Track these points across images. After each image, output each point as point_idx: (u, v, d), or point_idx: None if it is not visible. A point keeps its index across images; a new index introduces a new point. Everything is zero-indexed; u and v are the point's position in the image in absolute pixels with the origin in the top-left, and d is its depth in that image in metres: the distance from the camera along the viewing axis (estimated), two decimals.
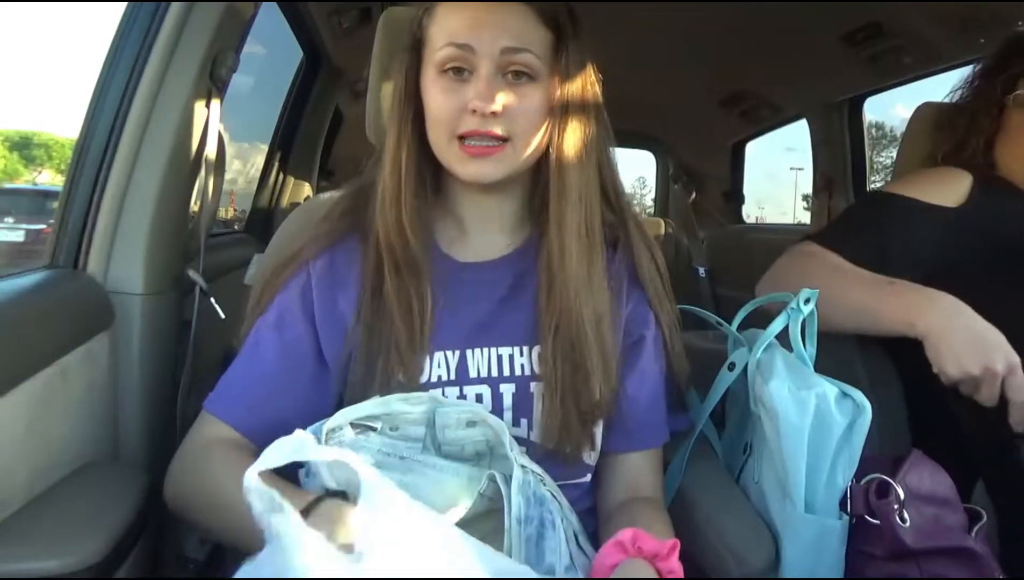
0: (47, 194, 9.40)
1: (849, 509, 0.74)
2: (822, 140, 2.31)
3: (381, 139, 0.86)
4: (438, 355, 0.75)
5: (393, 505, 0.51)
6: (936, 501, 0.73)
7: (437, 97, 0.72)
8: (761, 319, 0.89)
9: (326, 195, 0.92)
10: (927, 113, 1.16)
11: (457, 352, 0.75)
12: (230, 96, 1.07)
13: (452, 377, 0.75)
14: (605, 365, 0.75)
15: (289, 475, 0.57)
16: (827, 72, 2.03)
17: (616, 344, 0.78)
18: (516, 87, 0.72)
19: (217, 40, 0.97)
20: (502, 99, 0.70)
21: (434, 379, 0.74)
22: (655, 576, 0.61)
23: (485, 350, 0.76)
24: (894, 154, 1.24)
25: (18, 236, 8.08)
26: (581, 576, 0.66)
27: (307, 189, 2.35)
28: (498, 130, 0.71)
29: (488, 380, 0.75)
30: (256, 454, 0.52)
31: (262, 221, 2.11)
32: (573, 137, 0.74)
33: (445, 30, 0.73)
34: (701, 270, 2.96)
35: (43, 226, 7.53)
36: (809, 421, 0.75)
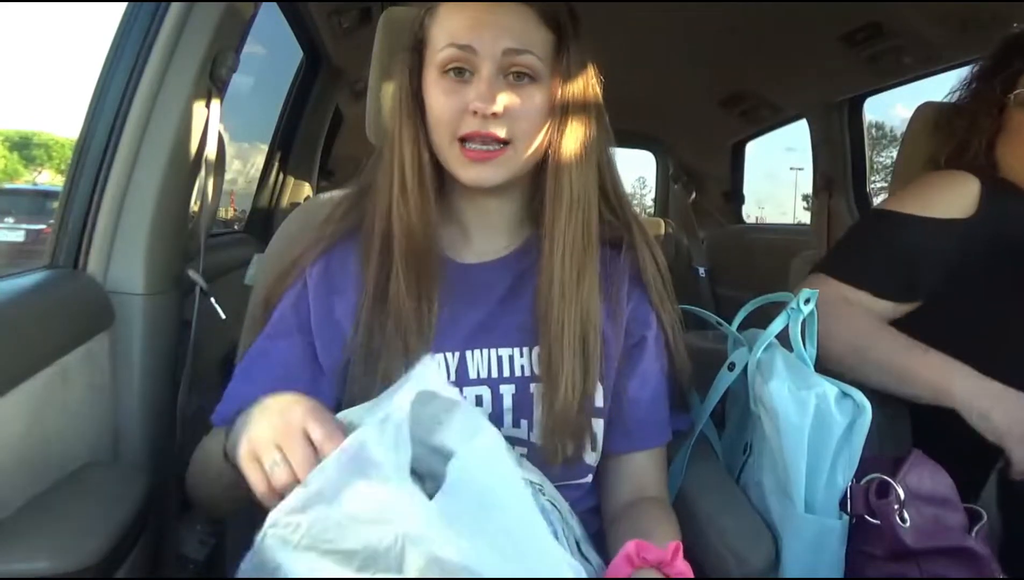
0: (47, 194, 9.40)
1: (849, 509, 0.74)
2: (822, 140, 2.31)
3: (381, 139, 0.86)
4: (438, 357, 0.74)
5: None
6: (936, 501, 0.73)
7: (438, 98, 0.72)
8: (761, 319, 0.89)
9: (326, 195, 0.92)
10: (927, 113, 1.16)
11: (457, 353, 0.75)
12: (230, 96, 1.07)
13: (452, 378, 0.75)
14: (603, 365, 0.75)
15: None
16: (827, 72, 2.03)
17: (617, 344, 0.78)
18: (517, 88, 0.72)
19: (217, 40, 0.97)
20: (503, 100, 0.70)
21: None
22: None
23: (485, 351, 0.76)
24: (894, 154, 1.24)
25: (18, 236, 8.08)
26: None
27: (307, 189, 2.34)
28: (499, 132, 0.71)
29: (488, 381, 0.75)
30: None
31: (262, 221, 2.11)
32: (573, 138, 0.74)
33: (446, 31, 0.73)
34: (701, 270, 2.96)
35: (43, 226, 7.53)
36: (809, 421, 0.75)
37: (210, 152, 1.03)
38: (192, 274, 1.02)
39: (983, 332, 0.92)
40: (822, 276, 0.98)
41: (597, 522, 0.80)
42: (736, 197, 3.12)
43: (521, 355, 0.76)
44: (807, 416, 0.75)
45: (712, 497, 0.84)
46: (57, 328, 0.83)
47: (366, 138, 0.94)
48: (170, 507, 0.98)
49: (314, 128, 2.34)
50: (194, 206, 1.10)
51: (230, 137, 1.14)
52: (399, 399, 0.53)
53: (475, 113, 0.70)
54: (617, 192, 0.81)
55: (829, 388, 0.76)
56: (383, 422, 0.52)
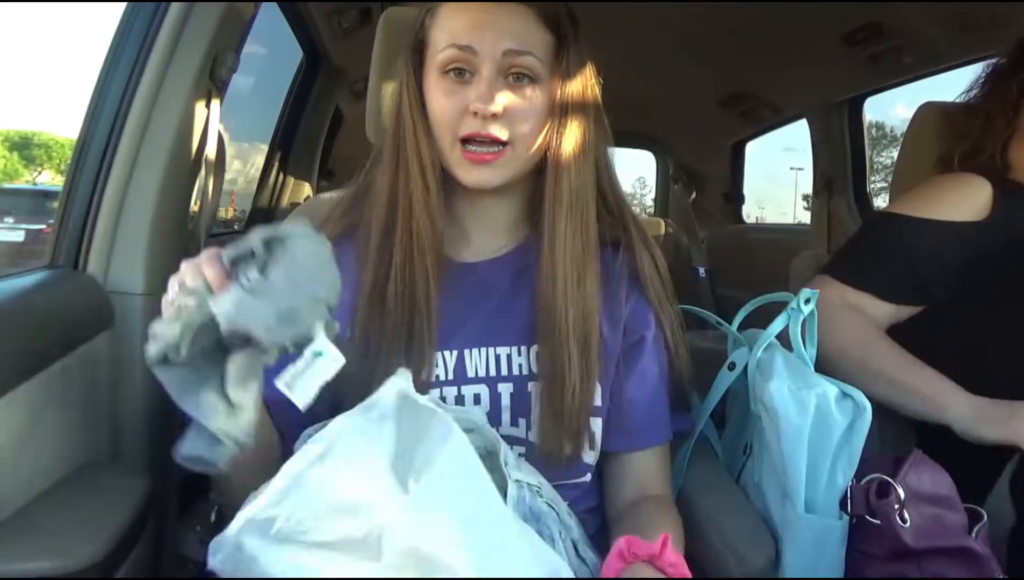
0: (47, 194, 9.41)
1: (849, 509, 0.74)
2: (822, 140, 2.31)
3: (381, 139, 0.86)
4: (436, 355, 0.75)
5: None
6: (936, 501, 0.73)
7: (439, 99, 0.73)
8: (761, 319, 0.89)
9: (326, 195, 0.92)
10: (929, 113, 1.15)
11: (455, 352, 0.75)
12: (230, 96, 1.07)
13: (450, 377, 0.75)
14: (602, 364, 0.75)
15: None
16: (827, 72, 2.03)
17: (615, 343, 0.78)
18: (517, 89, 0.72)
19: (217, 40, 0.97)
20: (503, 101, 0.71)
21: (432, 379, 0.74)
22: (658, 575, 0.61)
23: (483, 350, 0.76)
24: (894, 154, 1.24)
25: (18, 236, 8.09)
26: None
27: (307, 189, 2.34)
28: (499, 133, 0.71)
29: (486, 380, 0.75)
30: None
31: (262, 221, 2.11)
32: (572, 139, 0.74)
33: (447, 31, 0.73)
34: (701, 270, 2.96)
35: (43, 226, 7.53)
36: (809, 421, 0.75)
37: (210, 152, 1.03)
38: None
39: (991, 336, 0.92)
40: (827, 278, 0.98)
41: (597, 521, 0.80)
42: (736, 197, 3.12)
43: (519, 354, 0.76)
44: (807, 416, 0.75)
45: (712, 497, 0.84)
46: (57, 328, 0.83)
47: (366, 138, 0.94)
48: (170, 507, 0.98)
49: (314, 128, 2.34)
50: (194, 206, 1.10)
51: (230, 137, 1.14)
52: (383, 392, 0.53)
53: (475, 114, 0.70)
54: (615, 192, 0.82)
55: (829, 388, 0.76)
56: (364, 411, 0.52)
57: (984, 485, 0.84)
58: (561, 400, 0.72)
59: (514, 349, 0.76)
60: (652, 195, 3.76)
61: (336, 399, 0.74)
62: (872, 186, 2.31)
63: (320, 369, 0.56)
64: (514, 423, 0.75)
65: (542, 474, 0.71)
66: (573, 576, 0.58)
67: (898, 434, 0.92)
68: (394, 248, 0.74)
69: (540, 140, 0.74)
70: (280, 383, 0.56)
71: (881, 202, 2.29)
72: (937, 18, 1.56)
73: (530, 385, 0.75)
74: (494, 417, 0.75)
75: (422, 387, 0.71)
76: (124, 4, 0.94)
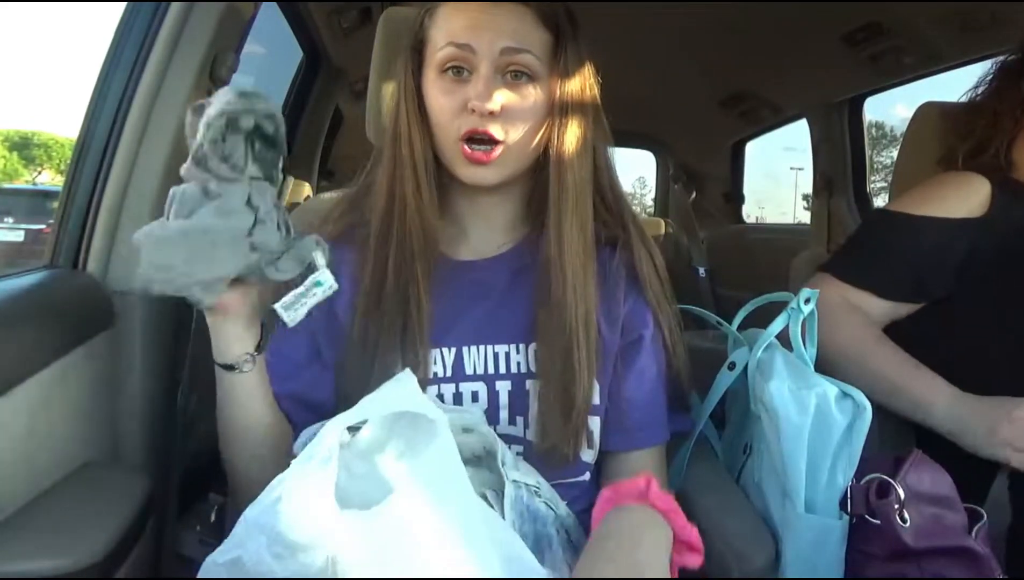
0: (47, 194, 9.41)
1: (849, 509, 0.74)
2: (822, 140, 2.31)
3: (381, 139, 0.86)
4: (435, 352, 0.75)
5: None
6: (936, 501, 0.73)
7: (438, 97, 0.73)
8: (761, 319, 0.89)
9: (326, 195, 0.92)
10: (929, 113, 1.15)
11: (454, 349, 0.76)
12: None
13: (448, 374, 0.75)
14: (600, 363, 0.76)
15: None
16: (827, 72, 2.03)
17: (613, 342, 0.78)
18: (515, 87, 0.73)
19: (217, 40, 0.97)
20: (501, 98, 0.71)
21: (431, 376, 0.74)
22: (647, 507, 0.63)
23: (481, 347, 0.76)
24: (894, 154, 1.24)
25: (18, 236, 8.09)
26: None
27: (307, 189, 2.34)
28: (496, 131, 0.72)
29: (484, 377, 0.75)
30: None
31: None
32: (571, 138, 0.75)
33: (445, 30, 0.74)
34: (701, 270, 2.96)
35: (43, 226, 7.53)
36: (809, 421, 0.75)
37: None
38: None
39: (989, 333, 0.92)
40: (827, 276, 0.98)
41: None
42: (736, 197, 3.12)
43: (517, 352, 0.76)
44: (807, 416, 0.75)
45: (712, 497, 0.84)
46: (57, 328, 0.83)
47: (366, 138, 0.94)
48: (170, 507, 0.98)
49: (314, 128, 2.34)
50: None
51: None
52: (323, 437, 0.57)
53: (473, 111, 0.71)
54: (615, 191, 0.82)
55: (829, 388, 0.76)
56: (306, 460, 0.56)
57: (984, 485, 0.84)
58: (561, 398, 0.73)
59: (512, 347, 0.76)
60: (652, 195, 3.76)
61: (339, 395, 0.74)
62: (872, 186, 2.31)
63: (316, 296, 0.66)
64: (512, 422, 0.76)
65: (540, 473, 0.71)
66: None
67: (898, 434, 0.92)
68: (391, 248, 0.74)
69: (538, 138, 0.75)
70: (278, 306, 0.66)
71: (881, 202, 2.29)
72: (937, 18, 1.56)
73: (528, 383, 0.75)
74: (492, 415, 0.75)
75: (419, 385, 0.71)
76: (124, 4, 0.94)
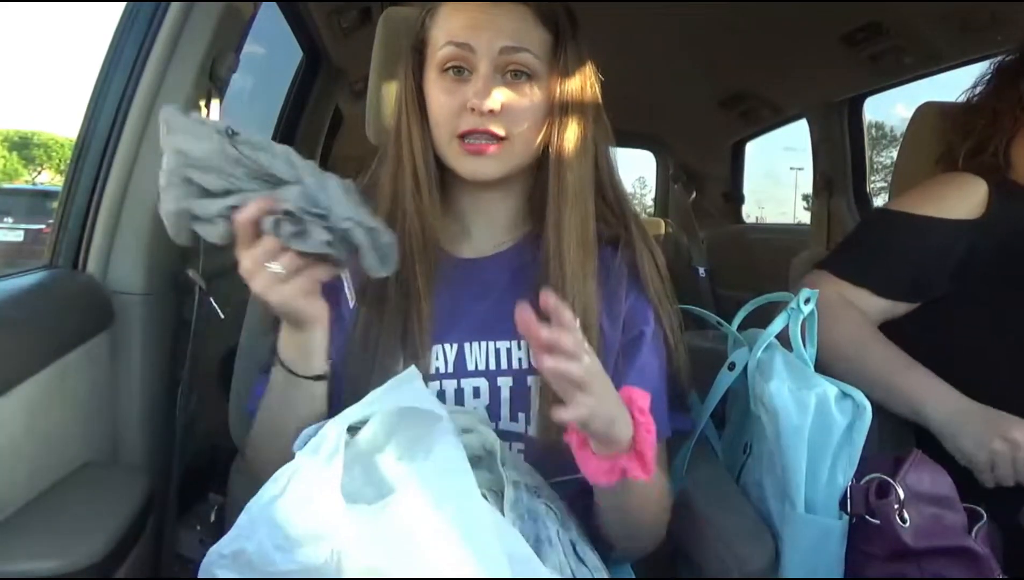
0: (47, 194, 9.41)
1: (849, 509, 0.74)
2: (822, 140, 2.31)
3: (381, 139, 0.87)
4: (436, 348, 0.75)
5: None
6: (936, 501, 0.73)
7: (438, 97, 0.74)
8: (761, 319, 0.89)
9: None
10: (928, 113, 1.15)
11: (455, 345, 0.76)
12: (230, 96, 1.07)
13: (450, 370, 0.75)
14: (601, 360, 0.76)
15: None
16: (827, 72, 2.03)
17: (614, 339, 0.78)
18: (515, 86, 0.73)
19: (217, 40, 0.97)
20: (500, 97, 0.72)
21: (432, 371, 0.75)
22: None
23: (483, 344, 0.76)
24: (894, 154, 1.24)
25: (17, 236, 8.09)
26: None
27: None
28: (496, 129, 0.72)
29: (486, 373, 0.75)
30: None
31: None
32: (571, 136, 0.75)
33: (445, 30, 0.74)
34: (701, 270, 2.96)
35: (43, 226, 7.53)
36: (809, 421, 0.75)
37: None
38: (192, 274, 1.02)
39: (987, 333, 0.92)
40: (824, 273, 0.98)
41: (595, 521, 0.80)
42: (736, 197, 3.12)
43: (519, 348, 0.76)
44: (807, 416, 0.75)
45: (712, 497, 0.84)
46: (57, 328, 0.83)
47: (366, 138, 0.94)
48: (170, 507, 0.98)
49: (314, 128, 2.34)
50: None
51: None
52: (326, 432, 0.57)
53: (473, 110, 0.72)
54: (616, 190, 0.82)
55: (829, 388, 0.76)
56: (313, 452, 0.56)
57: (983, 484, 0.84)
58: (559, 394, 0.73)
59: (514, 343, 0.76)
60: (652, 195, 3.77)
61: (345, 391, 0.74)
62: (872, 186, 2.31)
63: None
64: (513, 418, 0.76)
65: (541, 470, 0.71)
66: None
67: (898, 434, 0.92)
68: (401, 243, 0.75)
69: (539, 136, 0.75)
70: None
71: (881, 202, 2.29)
72: (937, 18, 1.56)
73: (529, 379, 0.76)
74: (493, 411, 0.75)
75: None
76: (124, 4, 0.94)
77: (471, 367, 0.76)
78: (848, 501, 0.74)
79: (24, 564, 0.67)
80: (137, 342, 0.95)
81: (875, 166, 2.83)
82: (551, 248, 0.75)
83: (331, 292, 0.76)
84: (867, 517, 0.73)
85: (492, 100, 0.71)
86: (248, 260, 0.63)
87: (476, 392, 0.75)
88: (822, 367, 0.82)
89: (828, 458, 0.75)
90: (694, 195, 3.18)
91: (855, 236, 1.06)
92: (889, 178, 1.28)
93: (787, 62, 2.07)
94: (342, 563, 0.52)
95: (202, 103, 1.00)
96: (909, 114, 1.19)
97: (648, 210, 3.95)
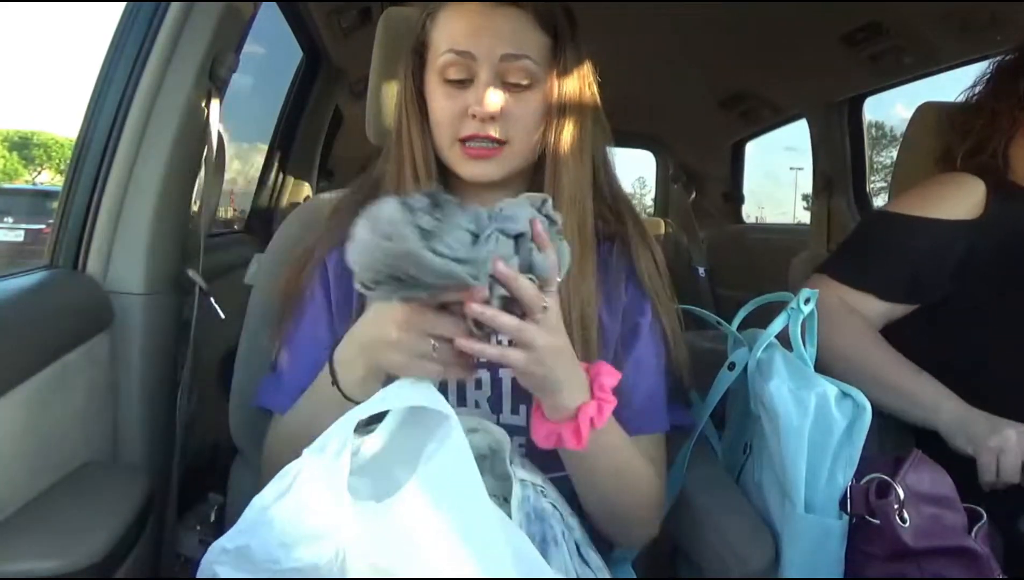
0: (47, 194, 9.41)
1: (849, 509, 0.74)
2: (822, 140, 2.31)
3: (381, 139, 0.87)
4: None
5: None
6: (936, 501, 0.73)
7: (439, 101, 0.75)
8: (761, 319, 0.89)
9: (326, 195, 0.92)
10: (928, 113, 1.15)
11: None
12: (230, 96, 1.07)
13: None
14: (601, 353, 0.76)
15: None
16: (827, 72, 2.03)
17: (613, 332, 0.79)
18: (514, 91, 0.74)
19: (217, 40, 0.97)
20: (501, 103, 0.73)
21: None
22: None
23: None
24: (894, 154, 1.24)
25: (18, 236, 8.09)
26: None
27: (307, 189, 2.34)
28: (497, 133, 0.73)
29: (488, 365, 0.76)
30: None
31: (262, 221, 2.11)
32: (569, 138, 0.76)
33: (446, 36, 0.75)
34: (701, 270, 2.96)
35: (43, 226, 7.54)
36: (809, 421, 0.75)
37: (210, 152, 1.03)
38: (192, 274, 1.02)
39: (986, 335, 0.92)
40: (824, 277, 0.98)
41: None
42: (736, 197, 3.12)
43: None
44: (807, 416, 0.75)
45: (712, 497, 0.84)
46: (57, 328, 0.83)
47: (366, 138, 0.94)
48: (170, 507, 0.98)
49: (314, 128, 2.34)
50: (194, 206, 1.10)
51: (230, 137, 1.14)
52: (335, 429, 0.56)
53: (474, 116, 0.73)
54: (613, 189, 0.83)
55: (829, 388, 0.76)
56: (320, 451, 0.55)
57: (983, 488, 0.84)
58: None
59: None
60: (652, 195, 3.77)
61: None
62: (872, 186, 2.31)
63: None
64: (515, 411, 0.76)
65: (541, 465, 0.71)
66: None
67: (898, 434, 0.92)
68: None
69: (537, 138, 0.76)
70: None
71: (881, 202, 2.29)
72: (937, 18, 1.56)
73: None
74: (495, 404, 0.76)
75: None
76: (124, 4, 0.94)
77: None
78: (848, 501, 0.74)
79: (24, 564, 0.67)
80: (137, 342, 0.95)
81: (875, 166, 2.83)
82: None
83: (338, 282, 0.76)
84: (867, 517, 0.73)
85: (493, 106, 0.72)
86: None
87: (478, 383, 0.76)
88: (823, 372, 0.82)
89: (828, 458, 0.75)
90: (694, 195, 3.18)
91: (854, 239, 1.06)
92: (889, 178, 1.28)
93: (787, 62, 2.07)
94: (347, 562, 0.51)
95: (202, 103, 1.00)
96: (909, 114, 1.19)
97: (648, 210, 3.95)
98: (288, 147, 2.22)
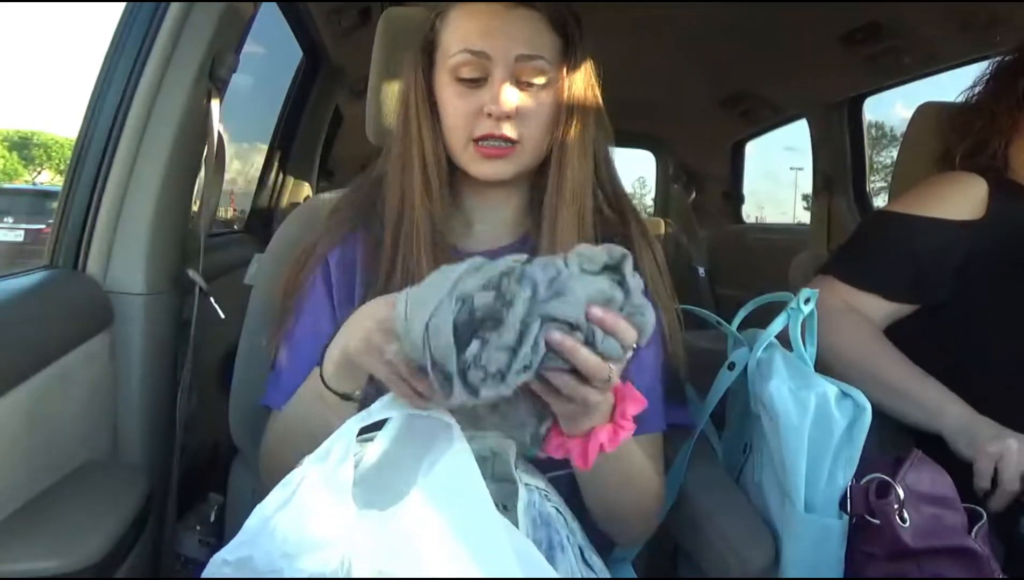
0: (47, 194, 9.41)
1: (849, 509, 0.74)
2: (822, 140, 2.31)
3: (381, 139, 0.87)
4: None
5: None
6: (936, 501, 0.73)
7: (452, 101, 0.75)
8: (761, 319, 0.89)
9: (326, 195, 0.92)
10: (928, 113, 1.15)
11: None
12: (230, 96, 1.07)
13: None
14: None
15: None
16: (827, 72, 2.03)
17: None
18: (528, 91, 0.75)
19: (217, 40, 0.97)
20: (515, 103, 0.73)
21: None
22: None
23: None
24: (894, 154, 1.24)
25: (18, 236, 8.09)
26: None
27: (307, 189, 2.34)
28: (510, 132, 0.74)
29: None
30: None
31: (262, 221, 2.11)
32: (575, 137, 0.76)
33: (459, 36, 0.75)
34: (701, 270, 2.96)
35: (43, 226, 7.54)
36: (809, 421, 0.75)
37: (210, 152, 1.03)
38: (192, 274, 1.02)
39: (986, 334, 0.92)
40: (828, 279, 0.98)
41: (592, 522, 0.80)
42: (736, 197, 3.12)
43: None
44: (807, 416, 0.75)
45: (712, 497, 0.84)
46: (57, 328, 0.83)
47: (366, 138, 0.94)
48: (170, 507, 0.98)
49: (314, 128, 2.34)
50: (194, 206, 1.10)
51: (230, 137, 1.14)
52: (338, 435, 0.56)
53: (489, 115, 0.73)
54: (615, 188, 0.83)
55: (829, 388, 0.76)
56: (323, 458, 0.55)
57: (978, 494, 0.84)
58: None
59: None
60: (652, 195, 3.77)
61: None
62: (872, 186, 2.31)
63: None
64: None
65: (537, 465, 0.71)
66: None
67: (898, 434, 0.92)
68: (400, 242, 0.75)
69: (548, 139, 0.77)
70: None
71: (881, 202, 2.29)
72: (937, 18, 1.56)
73: None
74: None
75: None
76: (124, 4, 0.94)
77: None
78: (848, 501, 0.74)
79: (24, 564, 0.67)
80: (137, 342, 0.95)
81: (875, 166, 2.83)
82: (546, 246, 0.76)
83: (340, 278, 0.76)
84: (867, 517, 0.73)
85: (508, 105, 0.73)
86: None
87: None
88: (828, 373, 0.82)
89: (828, 458, 0.75)
90: (694, 195, 3.19)
91: (857, 239, 1.05)
92: (889, 178, 1.27)
93: (787, 62, 2.07)
94: (352, 571, 0.51)
95: (202, 103, 1.00)
96: (909, 114, 1.19)
97: (648, 210, 3.95)
98: (288, 147, 2.22)
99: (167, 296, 0.99)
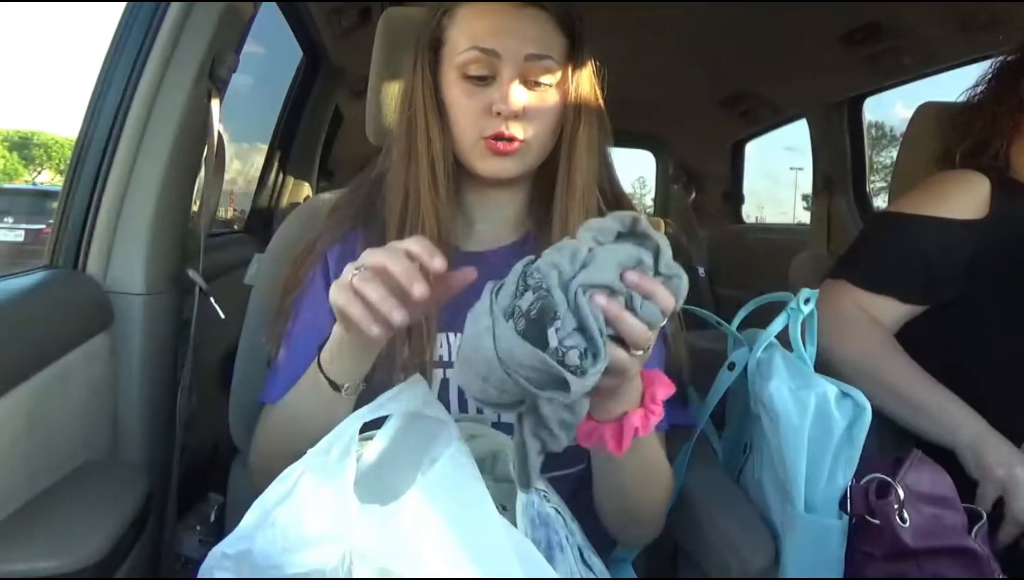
0: (47, 194, 9.41)
1: (849, 509, 0.74)
2: (822, 140, 2.31)
3: (381, 139, 0.87)
4: (440, 337, 0.76)
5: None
6: (936, 501, 0.73)
7: (460, 99, 0.75)
8: (761, 319, 0.89)
9: (326, 195, 0.92)
10: (928, 113, 1.15)
11: (459, 334, 0.76)
12: (230, 96, 1.07)
13: (453, 358, 0.76)
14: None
15: None
16: (827, 72, 2.03)
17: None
18: (535, 90, 0.75)
19: (217, 40, 0.97)
20: (524, 102, 0.74)
21: (436, 359, 0.75)
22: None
23: None
24: (894, 154, 1.24)
25: (18, 236, 8.09)
26: None
27: (307, 189, 2.34)
28: (518, 131, 0.74)
29: None
30: None
31: (262, 221, 2.11)
32: (583, 137, 0.77)
33: (468, 33, 0.75)
34: (701, 270, 2.96)
35: (43, 226, 7.54)
36: (809, 421, 0.75)
37: (210, 152, 1.03)
38: (192, 274, 1.02)
39: (990, 334, 0.92)
40: (841, 283, 0.97)
41: (591, 516, 0.80)
42: (736, 197, 3.12)
43: None
44: (807, 416, 0.75)
45: (712, 497, 0.84)
46: (57, 328, 0.83)
47: (366, 138, 0.94)
48: (170, 507, 0.98)
49: (314, 128, 2.34)
50: (194, 206, 1.10)
51: (230, 137, 1.15)
52: (339, 431, 0.55)
53: (498, 114, 0.73)
54: (615, 188, 0.84)
55: (829, 388, 0.76)
56: (325, 452, 0.54)
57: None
58: None
59: None
60: (652, 195, 3.77)
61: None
62: (872, 186, 2.31)
63: None
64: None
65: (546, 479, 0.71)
66: None
67: (898, 434, 0.92)
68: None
69: (554, 138, 0.77)
70: None
71: (881, 202, 2.29)
72: (937, 18, 1.56)
73: None
74: None
75: (425, 369, 0.72)
76: (124, 4, 0.94)
77: None
78: (848, 501, 0.74)
79: (24, 564, 0.67)
80: (137, 342, 0.95)
81: (875, 166, 2.83)
82: (556, 240, 0.76)
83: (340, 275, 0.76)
84: (867, 517, 0.73)
85: (517, 104, 0.73)
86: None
87: None
88: (840, 379, 0.82)
89: (828, 458, 0.75)
90: (694, 195, 3.19)
91: (865, 242, 1.04)
92: (889, 178, 1.27)
93: (787, 62, 2.07)
94: (354, 569, 0.50)
95: (202, 103, 1.00)
96: (909, 114, 1.19)
97: (648, 210, 3.95)
98: (288, 147, 2.22)
99: (167, 296, 1.00)
